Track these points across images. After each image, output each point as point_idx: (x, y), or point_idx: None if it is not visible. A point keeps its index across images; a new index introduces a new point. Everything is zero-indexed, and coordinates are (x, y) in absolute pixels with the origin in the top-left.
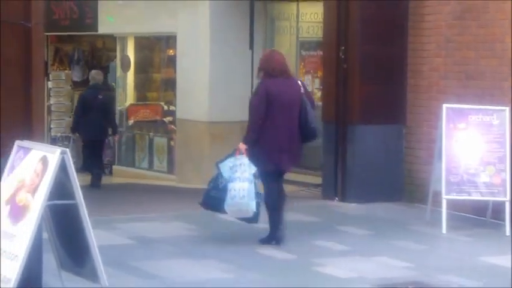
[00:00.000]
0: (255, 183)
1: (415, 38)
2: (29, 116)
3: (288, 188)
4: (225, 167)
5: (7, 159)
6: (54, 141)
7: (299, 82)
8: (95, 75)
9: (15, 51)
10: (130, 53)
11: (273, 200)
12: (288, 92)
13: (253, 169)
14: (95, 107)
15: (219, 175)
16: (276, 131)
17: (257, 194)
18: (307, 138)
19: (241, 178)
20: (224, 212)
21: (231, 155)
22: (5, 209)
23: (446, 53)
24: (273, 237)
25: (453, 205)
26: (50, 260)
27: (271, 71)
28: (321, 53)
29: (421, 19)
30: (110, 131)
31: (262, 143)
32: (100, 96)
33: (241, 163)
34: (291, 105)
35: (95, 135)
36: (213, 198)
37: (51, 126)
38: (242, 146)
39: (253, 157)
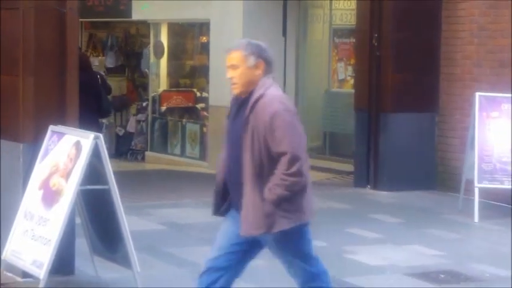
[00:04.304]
0: None
1: (448, 26)
2: (63, 101)
3: (320, 176)
4: None
5: (41, 143)
6: None
7: (98, 75)
8: None
9: (50, 36)
10: (164, 39)
11: None
12: (88, 81)
13: None
14: None
15: None
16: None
17: None
18: (102, 115)
19: None
20: None
21: None
22: (39, 194)
23: (480, 41)
24: None
25: (486, 193)
26: (82, 245)
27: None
28: (353, 40)
29: (454, 7)
30: None
31: None
32: None
33: None
34: (91, 91)
35: None
36: None
37: None
38: None
39: None
